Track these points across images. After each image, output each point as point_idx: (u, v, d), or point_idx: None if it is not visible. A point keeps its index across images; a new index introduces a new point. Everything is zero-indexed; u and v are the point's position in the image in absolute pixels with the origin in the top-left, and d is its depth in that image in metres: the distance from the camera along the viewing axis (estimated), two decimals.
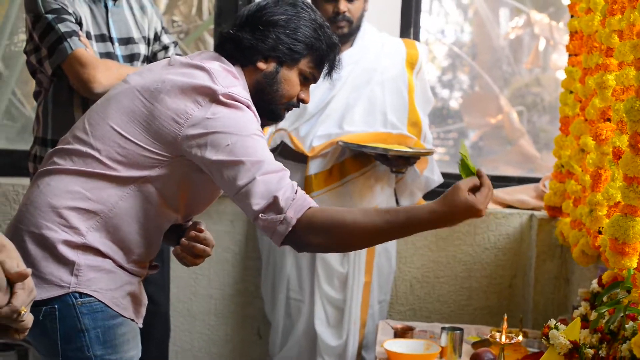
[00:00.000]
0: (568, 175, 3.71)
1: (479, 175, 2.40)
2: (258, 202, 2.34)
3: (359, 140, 3.80)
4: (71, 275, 2.37)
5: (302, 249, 2.45)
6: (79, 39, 3.28)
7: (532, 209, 4.23)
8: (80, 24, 3.36)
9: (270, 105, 2.60)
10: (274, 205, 2.33)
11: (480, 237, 4.22)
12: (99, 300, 2.41)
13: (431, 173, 4.04)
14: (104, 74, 3.26)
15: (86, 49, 3.28)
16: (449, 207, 2.34)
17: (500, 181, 4.42)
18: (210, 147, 2.37)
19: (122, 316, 2.46)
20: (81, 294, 2.38)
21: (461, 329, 3.26)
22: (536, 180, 4.37)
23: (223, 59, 2.57)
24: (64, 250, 2.37)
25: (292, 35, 2.56)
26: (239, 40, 2.56)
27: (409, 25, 4.42)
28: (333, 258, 3.90)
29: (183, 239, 2.62)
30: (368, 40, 4.02)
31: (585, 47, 3.35)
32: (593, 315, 2.62)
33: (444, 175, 4.32)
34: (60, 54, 3.27)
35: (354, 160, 3.91)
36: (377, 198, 3.93)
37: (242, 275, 4.28)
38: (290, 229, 2.34)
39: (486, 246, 4.22)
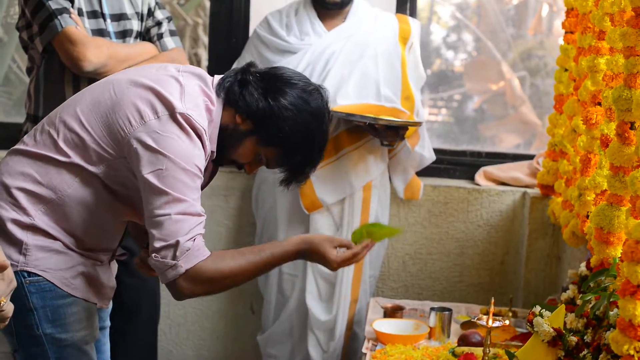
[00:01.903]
0: (561, 154, 3.69)
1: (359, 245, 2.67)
2: (159, 239, 2.35)
3: (351, 110, 3.78)
4: (19, 254, 2.40)
5: (180, 298, 2.44)
6: (70, 16, 3.27)
7: (526, 186, 4.22)
8: (72, 0, 3.34)
9: (220, 151, 2.54)
10: (172, 249, 2.35)
11: (473, 214, 4.22)
12: (47, 280, 2.43)
13: (422, 149, 4.03)
14: (94, 51, 3.25)
15: (77, 27, 3.27)
16: (309, 248, 2.58)
17: (495, 157, 4.42)
18: (146, 162, 2.36)
19: (73, 296, 2.47)
20: (29, 273, 2.41)
21: (450, 310, 3.27)
22: (530, 157, 4.36)
23: (209, 84, 2.53)
24: (13, 229, 2.40)
25: (280, 125, 2.49)
26: (247, 87, 2.51)
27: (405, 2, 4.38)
28: (326, 233, 3.90)
29: (142, 253, 2.67)
30: (361, 15, 4.01)
31: (580, 25, 3.31)
32: (579, 301, 2.62)
33: (439, 151, 4.33)
34: (51, 31, 3.26)
35: (348, 134, 3.90)
36: (372, 173, 3.93)
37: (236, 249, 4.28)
38: (177, 277, 2.37)
39: (479, 223, 4.22)
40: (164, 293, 3.94)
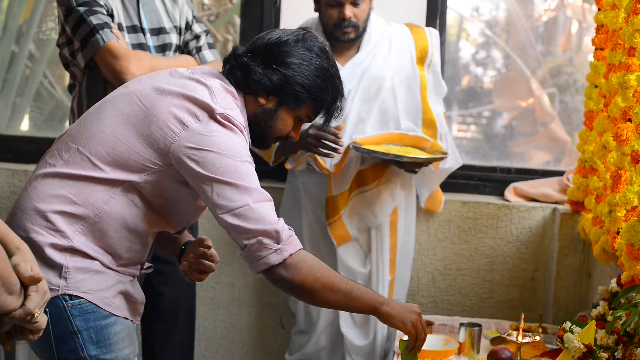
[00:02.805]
0: (591, 170, 3.69)
1: None
2: (257, 226, 2.39)
3: (373, 142, 3.73)
4: (60, 278, 2.38)
5: (278, 284, 2.48)
6: (111, 31, 3.30)
7: (556, 202, 4.22)
8: (111, 15, 3.38)
9: (261, 137, 2.64)
10: (273, 234, 2.40)
11: (502, 230, 4.21)
12: (89, 301, 2.42)
13: (444, 163, 3.97)
14: (136, 64, 3.28)
15: (118, 41, 3.30)
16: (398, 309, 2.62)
17: (525, 174, 4.41)
18: (204, 164, 2.39)
19: (115, 315, 2.47)
20: (71, 296, 2.39)
21: (480, 325, 3.26)
22: (560, 173, 4.35)
23: (224, 78, 2.59)
24: (52, 253, 2.38)
25: (300, 82, 2.57)
26: (249, 70, 2.57)
27: (435, 15, 4.37)
28: (354, 260, 3.89)
29: (191, 255, 2.67)
30: (375, 41, 3.89)
31: (610, 42, 3.32)
32: (610, 318, 2.62)
33: (469, 167, 4.33)
34: (93, 46, 3.30)
35: (373, 169, 3.86)
36: (397, 200, 3.92)
37: None
38: (281, 261, 2.41)
39: (509, 239, 4.21)
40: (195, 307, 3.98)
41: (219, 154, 2.40)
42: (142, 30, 3.48)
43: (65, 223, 2.41)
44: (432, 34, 3.98)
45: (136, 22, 3.47)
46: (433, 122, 3.89)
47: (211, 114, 2.43)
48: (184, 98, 2.45)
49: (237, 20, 5.06)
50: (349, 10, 3.72)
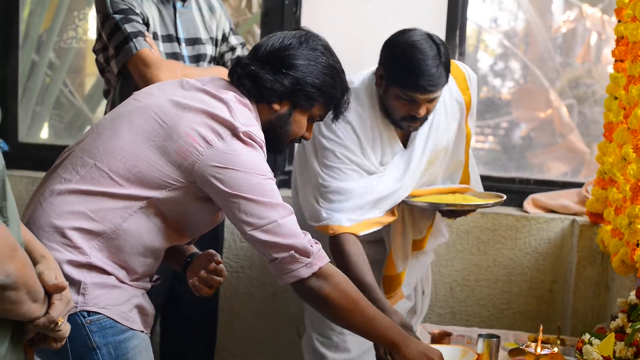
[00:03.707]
0: (610, 182, 3.68)
1: None
2: (287, 241, 2.45)
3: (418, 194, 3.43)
4: (78, 294, 2.37)
5: (305, 295, 2.54)
6: (145, 39, 3.33)
7: (574, 214, 4.20)
8: (147, 24, 3.41)
9: (277, 143, 2.66)
10: (303, 248, 2.46)
11: (521, 242, 4.20)
12: (108, 317, 2.41)
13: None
14: (167, 74, 3.30)
15: (151, 50, 3.33)
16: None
17: (543, 185, 4.41)
18: (229, 182, 2.42)
19: (132, 329, 2.47)
20: (89, 312, 2.39)
21: (498, 337, 3.25)
22: (579, 184, 4.34)
23: (236, 89, 2.59)
24: (69, 270, 2.36)
25: (311, 82, 2.60)
26: (258, 79, 2.58)
27: (455, 27, 4.37)
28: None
29: (203, 272, 2.69)
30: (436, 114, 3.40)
31: (630, 54, 3.31)
32: (629, 330, 2.61)
33: (488, 178, 4.32)
34: (126, 54, 3.33)
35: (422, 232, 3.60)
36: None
37: None
38: (310, 274, 2.48)
39: (527, 251, 4.20)
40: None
41: (244, 173, 2.42)
42: (178, 40, 3.51)
43: (82, 239, 2.40)
44: (472, 80, 3.53)
45: (172, 32, 3.50)
46: (467, 172, 3.65)
47: (234, 132, 2.44)
48: (205, 115, 2.45)
49: (257, 30, 5.08)
50: (424, 109, 3.19)
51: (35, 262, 1.87)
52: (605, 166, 3.77)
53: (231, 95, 2.53)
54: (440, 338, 3.47)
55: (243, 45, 3.68)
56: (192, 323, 3.83)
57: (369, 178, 3.28)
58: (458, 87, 3.44)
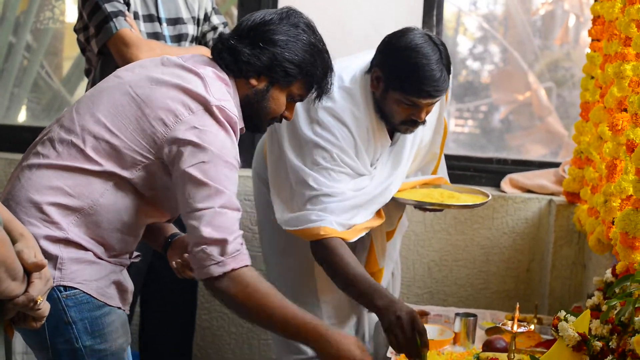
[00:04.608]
0: (587, 161, 3.69)
1: None
2: (209, 233, 2.36)
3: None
4: (55, 269, 2.36)
5: (215, 295, 2.45)
6: (125, 19, 3.32)
7: (551, 194, 4.22)
8: (128, 4, 3.41)
9: (255, 119, 2.64)
10: (221, 245, 2.37)
11: (498, 222, 4.22)
12: (84, 292, 2.41)
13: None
14: (147, 54, 3.28)
15: (131, 29, 3.32)
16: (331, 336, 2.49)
17: (521, 165, 4.42)
18: (187, 157, 2.38)
19: (109, 305, 2.47)
20: (66, 287, 2.38)
21: (475, 315, 3.27)
22: (556, 164, 4.36)
23: (216, 65, 2.58)
24: (47, 245, 2.36)
25: (289, 58, 2.57)
26: (237, 53, 2.57)
27: (432, 7, 4.35)
28: None
29: (185, 256, 2.66)
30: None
31: (606, 33, 3.32)
32: (605, 307, 2.62)
33: (465, 158, 4.33)
34: (106, 33, 3.32)
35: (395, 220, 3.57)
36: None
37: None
38: (221, 274, 2.37)
39: (504, 230, 4.22)
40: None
41: (205, 150, 2.38)
42: (159, 20, 3.49)
43: (59, 215, 2.40)
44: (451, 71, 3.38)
45: (153, 12, 3.49)
46: (438, 164, 3.64)
47: (206, 106, 2.42)
48: (178, 89, 2.45)
49: (235, 12, 5.06)
50: (425, 114, 3.14)
51: (14, 241, 1.87)
52: (581, 146, 3.79)
53: (209, 70, 2.52)
54: None
55: (225, 24, 3.66)
56: (172, 302, 3.83)
57: (360, 179, 3.22)
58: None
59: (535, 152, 5.35)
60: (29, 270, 1.86)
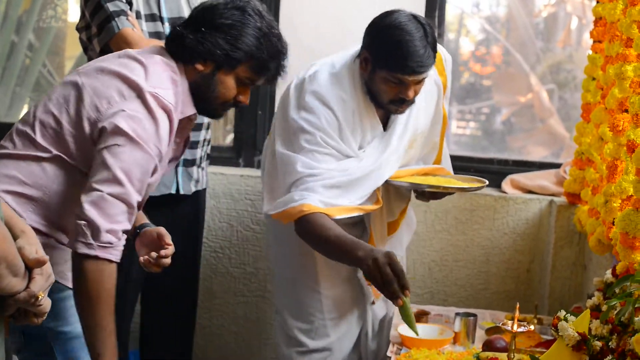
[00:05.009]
0: (588, 162, 3.70)
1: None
2: (90, 212, 2.38)
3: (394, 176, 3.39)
4: None
5: (74, 269, 2.45)
6: (127, 19, 3.33)
7: (552, 194, 4.22)
8: (130, 3, 3.41)
9: (206, 105, 2.67)
10: (95, 229, 2.39)
11: (499, 222, 4.22)
12: None
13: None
14: None
15: (133, 29, 3.32)
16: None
17: (522, 166, 4.42)
18: (105, 138, 2.42)
19: (70, 288, 2.49)
20: None
21: (475, 315, 3.27)
22: (557, 165, 4.36)
23: (166, 52, 2.62)
24: None
25: (232, 42, 2.59)
26: (182, 39, 2.61)
27: (434, 7, 4.35)
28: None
29: (153, 253, 2.68)
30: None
31: (608, 34, 3.33)
32: (604, 307, 2.62)
33: (467, 158, 4.33)
34: (108, 33, 3.33)
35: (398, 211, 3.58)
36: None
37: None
38: (84, 253, 2.39)
39: (505, 231, 4.22)
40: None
41: (123, 135, 2.42)
42: (161, 19, 3.50)
43: (16, 203, 2.45)
44: (447, 61, 3.53)
45: (155, 11, 3.49)
46: (440, 154, 3.64)
47: (139, 93, 2.47)
48: (118, 78, 2.50)
49: None
50: (412, 92, 3.17)
51: (15, 237, 1.87)
52: (582, 147, 3.79)
53: (157, 58, 2.57)
54: (418, 317, 3.49)
55: None
56: (172, 302, 3.83)
57: (346, 160, 3.24)
58: (435, 68, 3.35)
59: (536, 154, 5.36)
60: (30, 267, 1.87)
